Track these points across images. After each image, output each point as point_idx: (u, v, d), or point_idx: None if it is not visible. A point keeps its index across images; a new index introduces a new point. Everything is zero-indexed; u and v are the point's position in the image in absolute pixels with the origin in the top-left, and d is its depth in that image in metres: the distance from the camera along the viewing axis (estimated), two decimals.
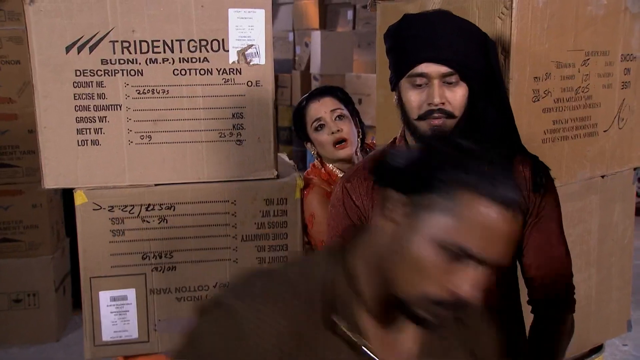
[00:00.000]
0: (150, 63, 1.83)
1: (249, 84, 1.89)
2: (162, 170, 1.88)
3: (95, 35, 1.78)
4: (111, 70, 1.81)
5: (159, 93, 1.85)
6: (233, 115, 1.89)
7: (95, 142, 1.83)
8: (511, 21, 1.58)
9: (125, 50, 1.81)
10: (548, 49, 1.67)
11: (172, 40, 1.83)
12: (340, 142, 2.00)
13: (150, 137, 1.86)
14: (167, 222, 1.89)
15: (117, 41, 1.80)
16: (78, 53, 1.78)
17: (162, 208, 1.88)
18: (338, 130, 2.00)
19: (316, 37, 7.28)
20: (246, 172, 1.92)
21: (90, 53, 1.79)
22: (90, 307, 1.88)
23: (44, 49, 1.77)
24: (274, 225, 1.95)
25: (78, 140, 1.82)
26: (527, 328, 1.48)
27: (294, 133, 2.16)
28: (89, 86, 1.81)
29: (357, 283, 0.96)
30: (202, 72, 1.85)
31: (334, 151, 2.01)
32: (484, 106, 1.38)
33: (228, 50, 1.86)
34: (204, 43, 1.85)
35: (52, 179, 1.83)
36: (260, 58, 1.89)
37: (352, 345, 0.94)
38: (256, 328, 0.91)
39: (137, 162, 1.86)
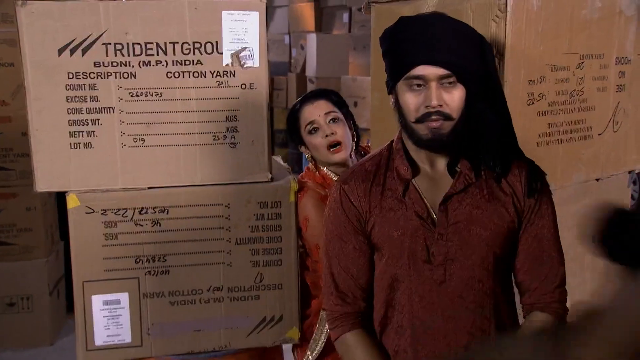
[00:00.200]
0: (143, 66, 1.82)
1: (243, 86, 1.88)
2: (155, 174, 1.87)
3: (88, 37, 1.78)
4: (104, 72, 1.80)
5: (152, 96, 1.84)
6: (227, 118, 1.89)
7: (88, 145, 1.82)
8: (505, 24, 1.57)
9: (118, 52, 1.80)
10: (542, 52, 1.66)
11: (165, 43, 1.82)
12: (334, 145, 1.99)
13: (143, 140, 1.85)
14: (160, 226, 1.88)
15: (110, 43, 1.79)
16: (70, 55, 1.78)
17: (155, 211, 1.88)
18: (332, 134, 2.00)
19: (312, 39, 7.28)
20: (240, 175, 1.91)
21: (82, 55, 1.78)
22: (82, 311, 1.86)
23: (36, 51, 1.76)
24: (268, 229, 1.95)
25: (71, 143, 1.81)
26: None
27: (288, 136, 2.14)
28: (82, 89, 1.80)
29: None
30: (196, 74, 1.85)
31: (328, 155, 2.00)
32: (481, 108, 1.38)
33: (222, 53, 1.85)
34: (197, 45, 1.84)
35: (45, 182, 1.82)
36: (254, 61, 1.88)
37: None
38: None
39: (130, 165, 1.85)
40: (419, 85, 1.34)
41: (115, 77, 1.81)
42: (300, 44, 7.97)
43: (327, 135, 1.99)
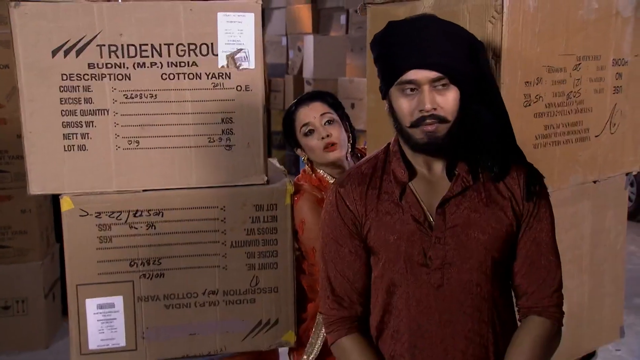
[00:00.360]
0: (138, 67, 1.81)
1: (239, 88, 1.87)
2: (150, 176, 1.86)
3: (82, 38, 1.76)
4: (98, 74, 1.79)
5: (147, 98, 1.83)
6: (222, 120, 1.87)
7: (82, 148, 1.81)
8: (502, 25, 1.57)
9: (112, 54, 1.79)
10: (539, 54, 1.65)
11: (160, 44, 1.81)
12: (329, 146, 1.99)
13: (138, 142, 1.84)
14: (155, 229, 1.87)
15: (104, 45, 1.78)
16: (64, 57, 1.76)
17: (150, 214, 1.86)
18: (328, 136, 1.98)
19: (309, 41, 7.28)
20: (235, 177, 1.90)
21: (77, 57, 1.77)
22: (76, 315, 1.85)
23: (30, 52, 1.74)
24: (263, 232, 1.93)
25: (64, 146, 1.80)
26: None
27: (284, 139, 2.13)
28: (76, 90, 1.79)
29: None
30: (191, 76, 1.84)
31: (323, 155, 1.99)
32: (477, 109, 1.36)
33: (217, 55, 1.84)
34: (192, 47, 1.83)
35: (38, 184, 1.81)
36: (250, 62, 1.87)
37: None
38: None
39: (125, 168, 1.84)
40: (411, 90, 1.33)
41: (110, 79, 1.80)
42: (297, 46, 7.96)
43: (322, 138, 1.98)
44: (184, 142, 1.86)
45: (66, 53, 1.76)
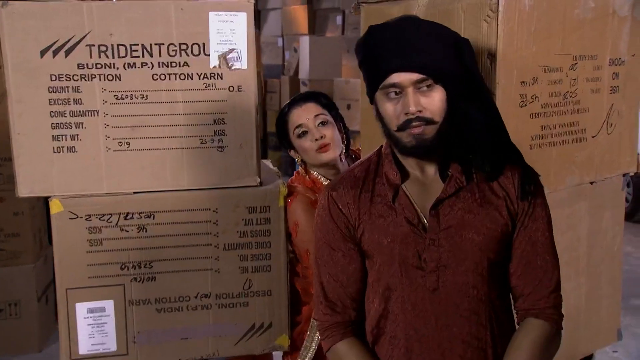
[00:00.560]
0: (128, 67, 1.78)
1: (231, 89, 1.85)
2: (141, 178, 1.83)
3: (71, 38, 1.74)
4: (88, 74, 1.77)
5: (137, 98, 1.80)
6: (214, 121, 1.85)
7: (71, 149, 1.78)
8: (497, 24, 1.54)
9: (102, 54, 1.76)
10: (535, 53, 1.63)
11: (151, 44, 1.79)
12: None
13: (128, 143, 1.81)
14: (146, 231, 1.84)
15: (94, 45, 1.75)
16: (53, 57, 1.74)
17: (141, 217, 1.84)
18: (321, 137, 1.96)
19: (305, 42, 7.26)
20: (228, 179, 1.88)
21: (66, 57, 1.74)
22: (66, 319, 1.82)
23: (18, 52, 1.72)
24: (256, 234, 1.91)
25: (54, 147, 1.77)
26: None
27: (277, 140, 2.11)
28: (65, 91, 1.76)
29: None
30: (182, 76, 1.81)
31: (317, 156, 1.97)
32: (466, 107, 1.34)
33: (209, 55, 1.82)
34: (184, 47, 1.80)
35: (27, 186, 1.78)
36: (242, 62, 1.85)
37: None
38: None
39: (115, 170, 1.81)
40: (396, 93, 1.32)
41: (100, 79, 1.77)
42: (293, 47, 7.95)
43: (316, 139, 1.96)
44: (176, 143, 1.84)
45: (55, 53, 1.73)
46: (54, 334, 3.75)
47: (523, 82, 1.63)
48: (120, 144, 1.81)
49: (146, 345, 1.88)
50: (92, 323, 1.84)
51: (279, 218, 1.92)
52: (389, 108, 1.33)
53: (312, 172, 2.03)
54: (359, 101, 2.02)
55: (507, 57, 1.58)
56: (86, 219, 1.81)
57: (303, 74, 7.33)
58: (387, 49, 1.31)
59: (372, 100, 1.38)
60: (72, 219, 1.80)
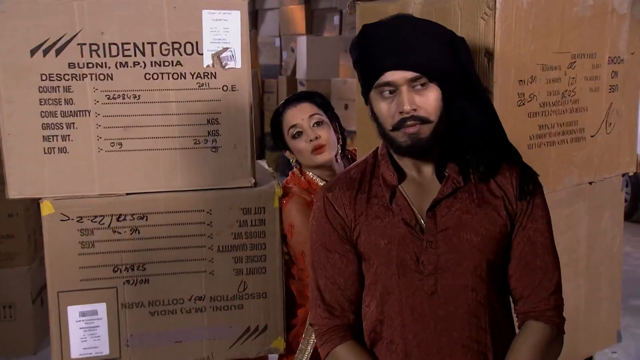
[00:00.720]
0: (120, 67, 1.76)
1: (225, 88, 1.82)
2: (133, 179, 1.81)
3: (61, 37, 1.71)
4: (79, 74, 1.74)
5: (129, 98, 1.78)
6: (208, 121, 1.83)
7: (62, 150, 1.76)
8: (494, 22, 1.52)
9: (93, 53, 1.74)
10: (533, 51, 1.61)
11: (143, 43, 1.76)
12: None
13: (121, 144, 1.79)
14: (139, 233, 1.82)
15: (85, 44, 1.73)
16: (44, 56, 1.71)
17: (134, 218, 1.81)
18: (316, 137, 1.93)
19: (302, 42, 7.24)
20: (222, 180, 1.86)
21: (56, 56, 1.72)
22: (58, 323, 1.80)
23: (7, 51, 1.69)
24: (251, 236, 1.89)
25: (44, 148, 1.75)
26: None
27: (272, 141, 2.08)
28: (56, 91, 1.73)
29: None
30: (175, 76, 1.79)
31: (312, 157, 1.94)
32: (462, 106, 1.32)
33: (202, 54, 1.79)
34: (177, 46, 1.78)
35: (17, 188, 1.76)
36: (236, 61, 1.82)
37: None
38: None
39: (107, 171, 1.79)
40: (390, 92, 1.29)
41: (91, 79, 1.75)
42: (290, 47, 7.92)
43: (311, 140, 1.93)
44: (169, 143, 1.81)
45: (45, 52, 1.71)
46: (49, 337, 3.72)
47: (521, 80, 1.61)
48: (113, 144, 1.78)
49: (139, 348, 1.85)
50: (84, 326, 1.81)
51: (274, 219, 1.89)
52: (384, 107, 1.31)
53: (307, 172, 2.00)
54: (357, 101, 1.99)
55: (504, 56, 1.55)
56: (78, 221, 1.78)
57: (300, 74, 7.31)
58: (381, 48, 1.29)
59: (367, 100, 1.36)
60: (63, 220, 1.77)
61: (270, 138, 7.76)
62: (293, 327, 1.97)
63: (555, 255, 1.39)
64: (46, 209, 1.76)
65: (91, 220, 1.79)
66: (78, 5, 1.71)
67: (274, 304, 1.92)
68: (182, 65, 1.78)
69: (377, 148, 1.44)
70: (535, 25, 1.60)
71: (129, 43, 1.75)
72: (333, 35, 7.68)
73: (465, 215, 1.33)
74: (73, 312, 1.80)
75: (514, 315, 1.41)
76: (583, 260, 1.88)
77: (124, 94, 1.77)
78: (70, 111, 1.75)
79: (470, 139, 1.33)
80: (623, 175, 1.99)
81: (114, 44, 1.74)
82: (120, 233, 1.81)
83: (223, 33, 1.80)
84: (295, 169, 2.03)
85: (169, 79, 1.78)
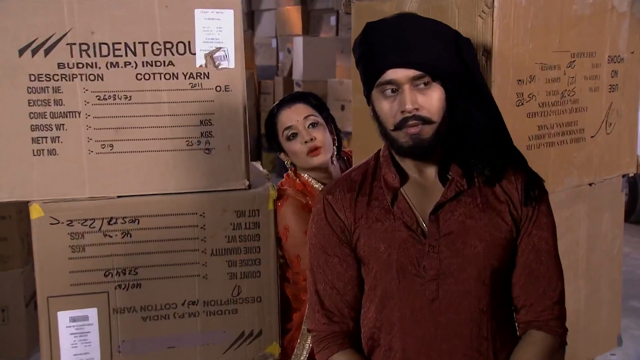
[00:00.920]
0: (111, 67, 1.72)
1: (218, 89, 1.79)
2: (125, 182, 1.77)
3: (50, 37, 1.68)
4: (69, 74, 1.70)
5: (121, 99, 1.74)
6: (201, 122, 1.79)
7: (52, 152, 1.72)
8: (492, 20, 1.49)
9: (83, 53, 1.70)
10: (532, 50, 1.58)
11: (134, 43, 1.72)
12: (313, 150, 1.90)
13: (112, 146, 1.75)
14: (131, 237, 1.78)
15: (74, 44, 1.69)
16: (32, 56, 1.67)
17: (125, 222, 1.78)
18: (312, 139, 1.90)
19: (298, 43, 7.21)
20: (215, 182, 1.82)
21: (45, 56, 1.68)
22: (47, 328, 1.76)
23: None
24: (245, 239, 1.85)
25: (33, 150, 1.71)
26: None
27: (266, 142, 2.05)
28: (45, 92, 1.70)
29: None
30: (167, 76, 1.75)
31: (307, 159, 1.91)
32: (465, 108, 1.28)
33: (195, 54, 1.76)
34: (169, 46, 1.75)
35: (5, 191, 1.72)
36: (230, 61, 1.79)
37: None
38: None
39: (98, 173, 1.75)
40: (392, 91, 1.26)
41: (81, 79, 1.71)
42: (287, 48, 7.89)
43: (306, 142, 1.90)
44: (161, 145, 1.77)
45: (34, 52, 1.67)
46: None
47: (519, 80, 1.58)
48: (103, 146, 1.75)
49: (131, 354, 1.82)
50: (75, 332, 1.77)
51: (269, 222, 1.86)
52: (385, 106, 1.27)
53: (302, 175, 1.97)
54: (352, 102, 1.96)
55: (503, 55, 1.52)
56: (68, 225, 1.74)
57: (297, 74, 7.28)
58: (384, 46, 1.26)
59: (369, 100, 1.32)
60: (53, 224, 1.74)
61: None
62: (288, 331, 1.94)
63: (559, 264, 1.36)
64: (35, 212, 1.72)
65: (82, 224, 1.75)
66: (67, 4, 1.67)
67: (269, 308, 1.89)
68: (174, 66, 1.75)
69: (379, 150, 1.41)
70: (534, 23, 1.57)
71: (120, 43, 1.71)
72: (329, 36, 7.65)
73: (469, 220, 1.30)
74: (63, 317, 1.76)
75: (516, 325, 1.37)
76: (583, 263, 1.85)
77: (114, 95, 1.73)
78: (60, 112, 1.71)
79: (473, 141, 1.30)
80: (623, 176, 1.96)
81: (105, 43, 1.70)
82: (111, 237, 1.77)
83: (216, 32, 1.77)
84: (290, 171, 2.00)
85: (160, 79, 1.75)
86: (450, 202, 1.30)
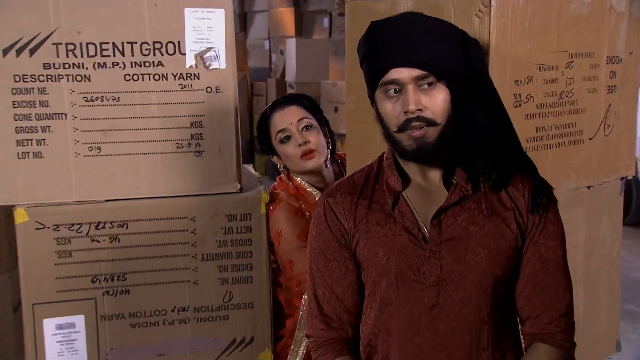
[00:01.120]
0: (98, 67, 1.68)
1: (209, 90, 1.75)
2: (113, 185, 1.73)
3: (36, 36, 1.63)
4: (55, 75, 1.66)
5: (108, 100, 1.70)
6: (191, 124, 1.76)
7: (37, 155, 1.68)
8: (490, 19, 1.46)
9: (70, 53, 1.66)
10: (530, 50, 1.55)
11: (122, 43, 1.69)
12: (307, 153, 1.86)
13: (99, 148, 1.71)
14: (119, 242, 1.74)
15: (61, 43, 1.65)
16: (17, 56, 1.63)
17: (113, 226, 1.74)
18: (305, 142, 1.86)
19: (291, 44, 7.17)
20: (206, 185, 1.78)
21: (30, 56, 1.64)
22: (33, 336, 1.71)
23: None
24: (237, 243, 1.81)
25: (18, 153, 1.67)
26: None
27: (259, 145, 2.00)
28: (30, 93, 1.65)
29: None
30: (157, 77, 1.72)
31: (300, 163, 1.87)
32: (470, 109, 1.24)
33: (185, 54, 1.72)
34: (158, 46, 1.71)
35: None
36: (221, 62, 1.75)
37: None
38: None
39: (85, 176, 1.71)
40: (396, 91, 1.22)
41: (68, 80, 1.67)
42: (280, 49, 7.86)
43: (300, 145, 1.86)
44: (150, 148, 1.73)
45: (19, 52, 1.63)
46: None
47: (517, 81, 1.54)
48: (91, 148, 1.71)
49: None
50: (61, 340, 1.73)
51: (261, 226, 1.82)
52: (388, 107, 1.23)
53: (295, 178, 1.92)
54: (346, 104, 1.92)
55: (500, 55, 1.49)
56: (54, 229, 1.70)
57: (290, 76, 7.23)
58: (388, 45, 1.22)
59: (373, 101, 1.28)
60: (38, 229, 1.69)
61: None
62: (281, 338, 1.90)
63: (567, 275, 1.31)
64: (20, 216, 1.68)
65: (68, 229, 1.71)
66: (53, 3, 1.63)
67: (261, 314, 1.85)
68: (163, 66, 1.71)
69: (384, 153, 1.36)
70: (532, 23, 1.54)
71: (108, 42, 1.67)
72: (323, 37, 7.62)
73: (472, 226, 1.26)
74: (49, 325, 1.72)
75: (521, 337, 1.33)
76: (581, 267, 1.82)
77: (102, 96, 1.69)
78: (46, 114, 1.67)
79: (479, 144, 1.25)
80: (622, 179, 1.93)
81: (92, 43, 1.66)
82: (99, 242, 1.73)
83: (206, 32, 1.73)
84: (282, 175, 1.96)
85: (149, 80, 1.71)
86: (453, 207, 1.26)
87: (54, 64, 1.65)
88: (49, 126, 1.67)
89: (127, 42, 1.68)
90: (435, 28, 1.24)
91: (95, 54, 1.67)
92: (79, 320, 1.74)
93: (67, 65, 1.66)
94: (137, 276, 1.76)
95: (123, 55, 1.69)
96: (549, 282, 1.27)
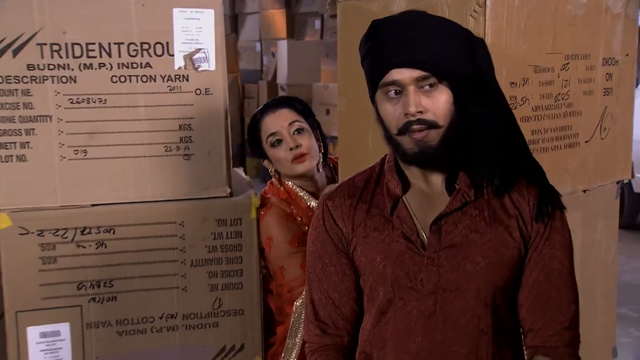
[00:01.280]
0: (84, 69, 1.65)
1: (198, 92, 1.72)
2: (99, 189, 1.69)
3: (19, 37, 1.60)
4: (39, 76, 1.62)
5: (95, 102, 1.66)
6: (180, 127, 1.72)
7: (21, 158, 1.64)
8: (484, 20, 1.43)
9: (55, 54, 1.62)
10: (525, 52, 1.52)
11: (109, 43, 1.65)
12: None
13: (85, 151, 1.67)
14: (105, 247, 1.71)
15: (45, 44, 1.61)
16: (0, 57, 1.58)
17: (100, 231, 1.70)
18: (297, 146, 1.82)
19: (283, 46, 7.14)
20: (195, 190, 1.75)
21: (14, 57, 1.60)
22: (16, 345, 1.67)
23: None
24: (227, 249, 1.78)
25: (1, 156, 1.64)
26: None
27: (249, 149, 1.97)
28: (13, 94, 1.62)
29: None
30: (145, 79, 1.68)
31: (292, 167, 1.83)
32: (474, 111, 1.20)
33: (173, 55, 1.69)
34: (146, 47, 1.67)
35: None
36: (210, 63, 1.72)
37: None
38: None
39: (71, 180, 1.67)
40: (396, 93, 1.18)
41: (53, 82, 1.63)
42: (271, 51, 7.82)
43: (291, 148, 1.82)
44: (138, 151, 1.70)
45: (1, 53, 1.59)
46: None
47: (512, 83, 1.51)
48: (76, 152, 1.67)
49: None
50: (45, 349, 1.68)
51: (251, 231, 1.78)
52: (389, 109, 1.19)
53: (286, 182, 1.89)
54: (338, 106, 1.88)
55: (495, 56, 1.44)
56: (38, 235, 1.66)
57: (281, 78, 7.20)
58: (389, 44, 1.17)
59: (374, 102, 1.25)
60: (22, 234, 1.65)
61: None
62: (271, 345, 1.86)
63: (573, 287, 1.26)
64: (3, 222, 1.63)
65: (53, 234, 1.66)
66: (37, 2, 1.59)
67: (251, 321, 1.81)
68: (151, 67, 1.68)
69: (386, 155, 1.32)
70: (527, 24, 1.51)
71: (94, 43, 1.64)
72: (314, 39, 7.59)
73: (473, 234, 1.21)
74: (33, 333, 1.67)
75: (524, 350, 1.29)
76: (577, 273, 1.78)
77: (88, 98, 1.65)
78: (30, 116, 1.63)
79: (483, 148, 1.21)
80: (618, 182, 1.90)
81: (77, 44, 1.63)
82: (85, 247, 1.69)
83: (196, 33, 1.70)
84: (274, 179, 1.92)
85: (137, 81, 1.67)
86: (454, 213, 1.22)
87: (38, 65, 1.61)
88: (33, 129, 1.64)
89: (114, 43, 1.65)
90: (438, 27, 1.20)
91: (81, 55, 1.63)
92: (64, 328, 1.70)
93: (52, 66, 1.62)
94: (124, 283, 1.72)
95: (110, 56, 1.65)
96: (552, 294, 1.23)
